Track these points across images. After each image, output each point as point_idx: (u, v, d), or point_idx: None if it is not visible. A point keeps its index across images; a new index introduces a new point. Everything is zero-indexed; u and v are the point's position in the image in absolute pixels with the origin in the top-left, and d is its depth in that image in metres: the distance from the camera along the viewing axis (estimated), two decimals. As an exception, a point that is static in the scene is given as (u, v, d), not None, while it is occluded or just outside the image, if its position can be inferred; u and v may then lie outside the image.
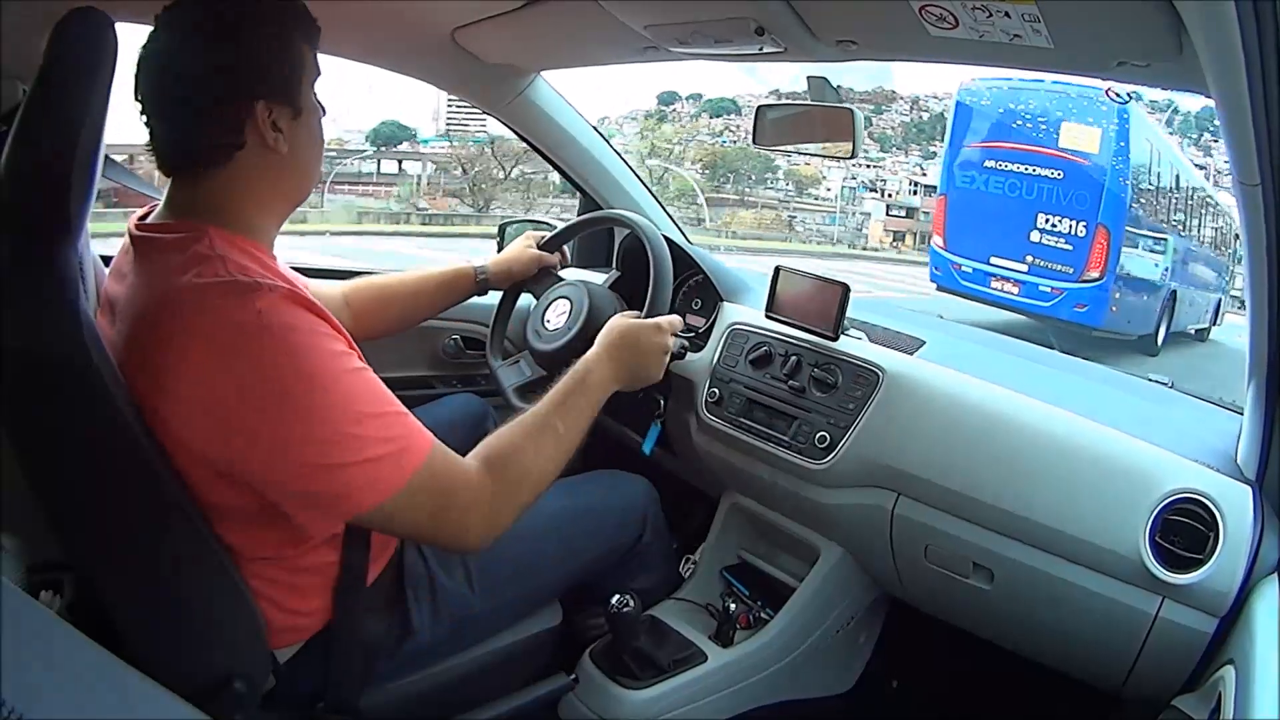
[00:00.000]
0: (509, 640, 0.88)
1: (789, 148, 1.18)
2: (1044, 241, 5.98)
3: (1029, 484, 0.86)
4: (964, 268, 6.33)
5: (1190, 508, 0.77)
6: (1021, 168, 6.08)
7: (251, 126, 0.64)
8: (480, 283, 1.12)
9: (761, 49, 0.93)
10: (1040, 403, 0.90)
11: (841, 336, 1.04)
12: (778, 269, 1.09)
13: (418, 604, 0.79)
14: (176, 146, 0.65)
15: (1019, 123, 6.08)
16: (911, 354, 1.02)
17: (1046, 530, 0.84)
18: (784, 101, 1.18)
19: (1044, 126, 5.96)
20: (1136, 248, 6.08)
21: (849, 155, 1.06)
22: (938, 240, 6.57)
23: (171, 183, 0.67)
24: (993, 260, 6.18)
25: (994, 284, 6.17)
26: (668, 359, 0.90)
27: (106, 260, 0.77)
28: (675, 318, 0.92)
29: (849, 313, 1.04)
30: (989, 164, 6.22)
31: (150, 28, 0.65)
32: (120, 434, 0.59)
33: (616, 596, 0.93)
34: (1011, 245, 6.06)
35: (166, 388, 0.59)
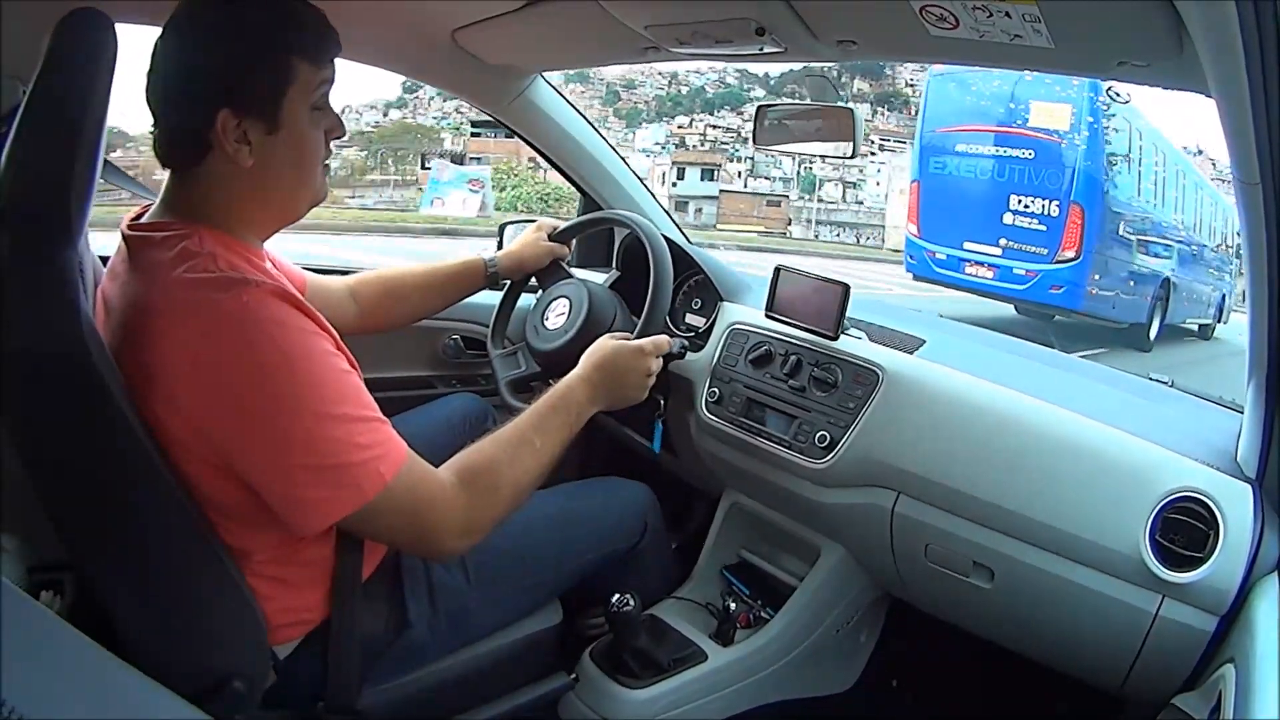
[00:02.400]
0: (508, 639, 0.88)
1: (788, 147, 1.18)
2: (1017, 223, 5.81)
3: (1029, 482, 0.86)
4: (938, 255, 6.18)
5: (1190, 506, 0.77)
6: (992, 149, 5.92)
7: (215, 134, 0.64)
8: (491, 275, 1.11)
9: (762, 49, 0.93)
10: (1040, 401, 0.90)
11: (841, 336, 1.04)
12: (778, 269, 1.09)
13: (414, 597, 0.79)
14: (157, 141, 0.67)
15: (988, 104, 5.94)
16: (911, 353, 1.02)
17: (1046, 529, 0.84)
18: (784, 101, 1.18)
19: (1014, 106, 5.82)
20: (1119, 232, 5.90)
21: (849, 155, 1.06)
22: (911, 228, 6.41)
23: (167, 180, 0.68)
24: (966, 245, 6.02)
25: (968, 269, 6.02)
26: (651, 380, 0.90)
27: (106, 261, 0.77)
28: (661, 339, 0.92)
29: (849, 312, 1.04)
30: (960, 148, 6.07)
31: (150, 28, 0.65)
32: (121, 433, 0.59)
33: (616, 595, 0.93)
34: (985, 229, 5.91)
35: (157, 381, 0.60)
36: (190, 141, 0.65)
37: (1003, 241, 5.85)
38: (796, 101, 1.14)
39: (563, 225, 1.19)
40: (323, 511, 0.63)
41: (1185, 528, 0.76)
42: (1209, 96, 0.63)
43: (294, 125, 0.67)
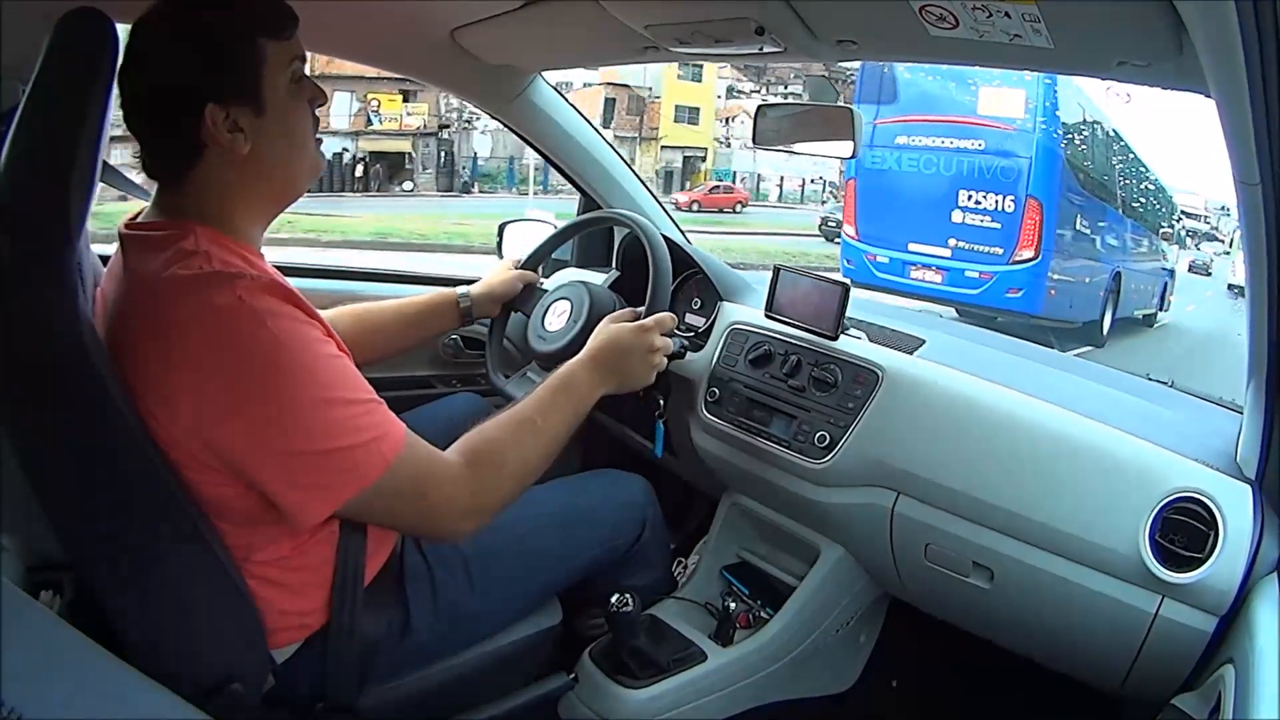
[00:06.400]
0: (509, 640, 0.88)
1: (789, 147, 1.18)
2: (968, 221, 5.29)
3: (1029, 483, 0.86)
4: (879, 259, 5.70)
5: (1190, 507, 0.77)
6: (937, 141, 5.41)
7: (206, 131, 0.64)
8: (464, 311, 1.10)
9: (761, 49, 0.93)
10: (1040, 401, 0.90)
11: (841, 336, 1.04)
12: (777, 269, 1.09)
13: (417, 601, 0.79)
14: (146, 156, 0.67)
15: (930, 92, 5.41)
16: (911, 353, 1.02)
17: (1046, 529, 0.84)
18: (784, 101, 1.18)
19: (959, 94, 5.32)
20: (1075, 226, 5.45)
21: (850, 155, 1.06)
22: (849, 230, 5.92)
23: (157, 185, 0.69)
24: (911, 247, 5.54)
25: (914, 274, 5.54)
26: (657, 357, 0.89)
27: (106, 260, 0.77)
28: (665, 315, 0.92)
29: (849, 312, 1.04)
30: (901, 140, 5.55)
31: None
32: (120, 434, 0.59)
33: (615, 596, 0.93)
34: (932, 229, 5.40)
35: (154, 381, 0.60)
36: (184, 149, 0.65)
37: (952, 242, 5.39)
38: (796, 102, 1.14)
39: (536, 246, 1.19)
40: (326, 497, 0.63)
41: (1185, 528, 0.76)
42: (1209, 96, 0.62)
43: (278, 102, 0.67)
